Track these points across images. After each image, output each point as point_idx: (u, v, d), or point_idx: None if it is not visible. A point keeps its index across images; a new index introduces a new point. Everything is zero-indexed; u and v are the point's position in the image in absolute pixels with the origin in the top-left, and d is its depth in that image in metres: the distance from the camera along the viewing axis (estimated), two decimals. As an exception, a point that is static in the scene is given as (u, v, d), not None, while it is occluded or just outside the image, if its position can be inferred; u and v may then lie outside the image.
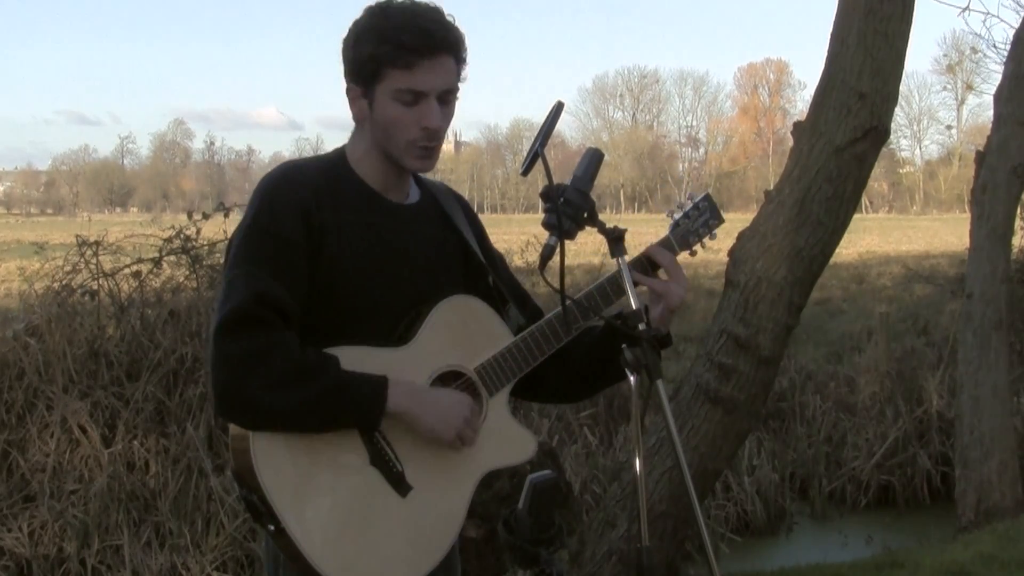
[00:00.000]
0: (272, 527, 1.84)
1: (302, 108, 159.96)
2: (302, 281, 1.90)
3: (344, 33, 2.01)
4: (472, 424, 2.00)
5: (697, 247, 2.32)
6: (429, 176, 2.21)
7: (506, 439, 2.08)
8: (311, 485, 1.86)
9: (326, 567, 1.85)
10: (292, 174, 1.99)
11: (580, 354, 2.18)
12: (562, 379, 2.21)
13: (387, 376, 1.91)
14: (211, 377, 1.85)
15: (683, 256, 2.28)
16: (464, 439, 1.99)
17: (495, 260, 2.24)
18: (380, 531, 1.91)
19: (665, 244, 2.25)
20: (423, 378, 1.99)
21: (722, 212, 2.36)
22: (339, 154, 2.08)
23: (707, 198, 2.34)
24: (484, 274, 2.16)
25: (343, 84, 2.03)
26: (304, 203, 1.92)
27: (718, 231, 2.33)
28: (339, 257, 1.94)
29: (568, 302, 2.05)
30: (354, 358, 1.89)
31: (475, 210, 2.31)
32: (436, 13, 1.98)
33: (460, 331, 2.04)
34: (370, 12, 1.98)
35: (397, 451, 1.94)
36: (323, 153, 2.13)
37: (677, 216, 2.30)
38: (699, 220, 2.31)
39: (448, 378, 2.04)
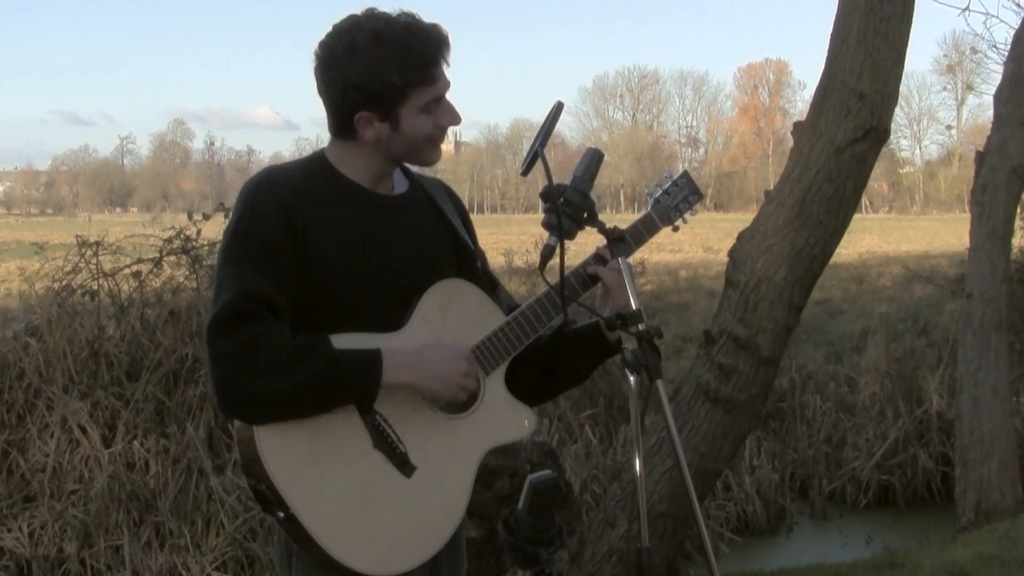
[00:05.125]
0: (282, 514, 1.88)
1: (297, 108, 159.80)
2: (289, 278, 1.93)
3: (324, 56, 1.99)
4: (472, 372, 2.03)
5: (679, 223, 2.36)
6: (427, 172, 2.23)
7: (504, 416, 2.11)
8: (317, 471, 1.89)
9: (337, 551, 1.88)
10: (272, 177, 2.03)
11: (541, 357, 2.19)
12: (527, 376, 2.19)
13: (379, 348, 1.93)
14: (210, 375, 1.88)
15: (665, 233, 2.33)
16: (468, 389, 2.02)
17: (482, 252, 2.26)
18: (388, 513, 1.94)
19: (646, 221, 2.29)
20: None
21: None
22: (319, 155, 2.11)
23: (685, 175, 2.39)
24: (474, 260, 2.18)
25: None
26: (284, 203, 1.96)
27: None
28: (327, 252, 1.97)
29: (566, 299, 2.06)
30: (348, 343, 1.91)
31: (468, 207, 2.33)
32: (424, 22, 2.01)
33: (453, 313, 2.07)
34: (367, 38, 1.95)
35: (399, 433, 1.96)
36: (303, 156, 2.16)
37: (657, 194, 2.35)
38: (679, 196, 2.36)
39: None
